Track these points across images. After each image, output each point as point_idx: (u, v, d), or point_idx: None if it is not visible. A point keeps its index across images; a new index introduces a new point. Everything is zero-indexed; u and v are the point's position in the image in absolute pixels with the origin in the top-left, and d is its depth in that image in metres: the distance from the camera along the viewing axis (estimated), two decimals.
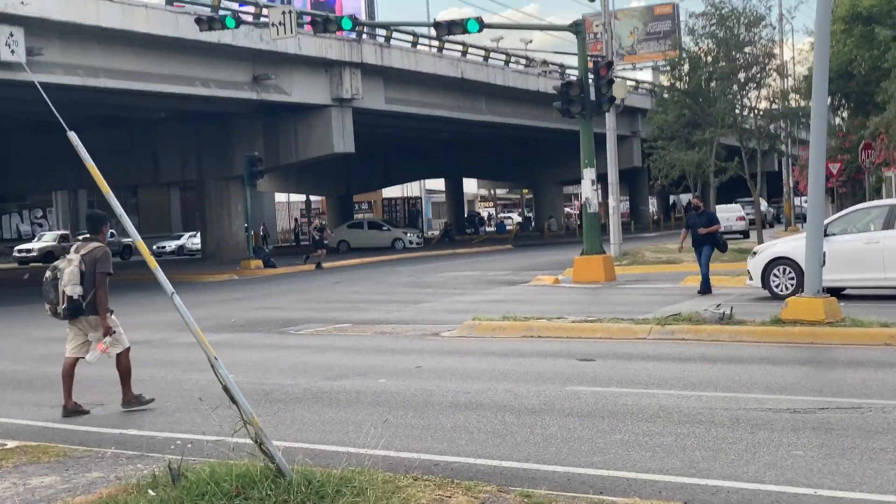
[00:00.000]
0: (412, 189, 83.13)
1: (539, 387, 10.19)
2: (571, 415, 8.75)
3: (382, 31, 38.67)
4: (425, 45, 40.90)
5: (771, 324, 13.08)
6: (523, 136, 57.77)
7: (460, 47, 42.31)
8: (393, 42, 39.10)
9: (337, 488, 5.86)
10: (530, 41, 61.21)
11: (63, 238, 49.30)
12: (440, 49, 41.71)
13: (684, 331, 13.41)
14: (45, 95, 6.52)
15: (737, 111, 32.13)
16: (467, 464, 7.21)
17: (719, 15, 30.52)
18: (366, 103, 38.44)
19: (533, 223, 73.03)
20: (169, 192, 62.97)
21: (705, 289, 19.28)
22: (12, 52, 24.37)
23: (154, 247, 48.99)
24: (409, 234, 51.44)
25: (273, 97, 35.37)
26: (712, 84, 31.58)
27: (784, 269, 17.47)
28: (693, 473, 6.72)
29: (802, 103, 34.64)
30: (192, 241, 52.48)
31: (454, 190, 73.54)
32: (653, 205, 79.74)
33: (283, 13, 24.63)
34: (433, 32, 29.01)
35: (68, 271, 9.64)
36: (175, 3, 30.66)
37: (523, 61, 47.66)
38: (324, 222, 40.77)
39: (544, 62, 47.59)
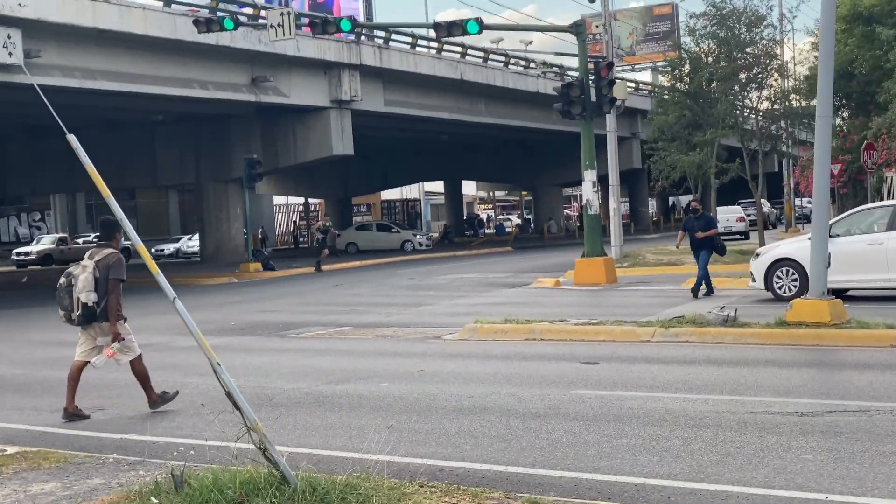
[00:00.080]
0: (411, 191, 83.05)
1: (543, 390, 10.10)
2: (577, 419, 8.66)
3: (381, 33, 38.60)
4: (424, 46, 40.83)
5: (776, 326, 13.00)
6: (522, 137, 57.71)
7: (459, 49, 42.23)
8: (392, 44, 39.02)
9: (342, 495, 5.77)
10: (530, 42, 61.13)
11: (61, 241, 49.27)
12: (439, 51, 41.64)
13: (688, 333, 13.33)
14: (44, 98, 6.43)
15: (737, 112, 32.04)
16: (472, 469, 7.12)
17: (720, 15, 30.43)
18: (365, 105, 38.36)
19: (532, 225, 72.96)
20: (167, 195, 62.92)
21: (700, 290, 19.02)
22: (10, 54, 24.27)
23: (152, 249, 48.86)
24: (418, 236, 52.07)
25: (271, 99, 35.29)
26: (713, 85, 31.48)
27: (787, 271, 17.40)
28: (702, 478, 6.63)
29: (803, 104, 34.60)
30: (188, 244, 52.42)
31: (453, 192, 73.47)
32: (652, 206, 79.69)
33: (282, 15, 24.56)
34: (432, 34, 28.93)
35: (82, 278, 9.62)
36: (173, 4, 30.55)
37: (522, 63, 47.59)
38: (328, 223, 40.57)
39: (544, 63, 47.58)
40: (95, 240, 50.64)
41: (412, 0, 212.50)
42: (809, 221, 50.68)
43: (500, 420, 8.74)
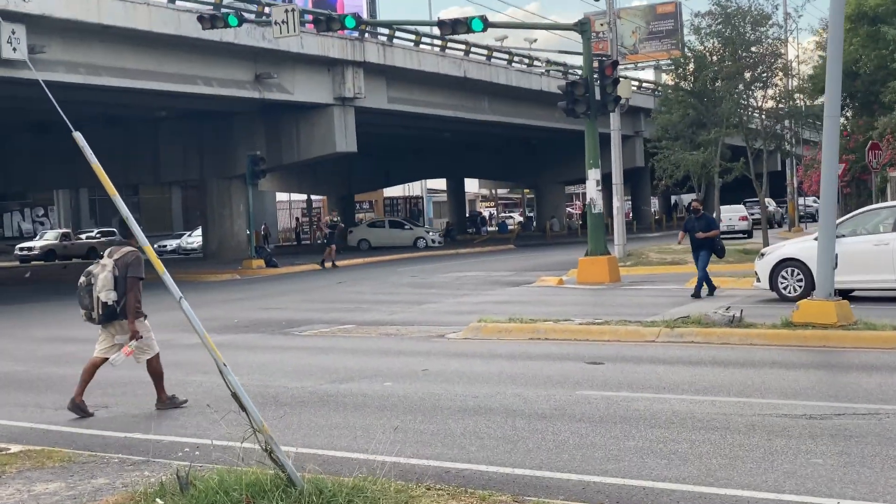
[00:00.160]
0: (413, 189, 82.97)
1: (548, 391, 10.04)
2: (583, 420, 8.60)
3: (385, 30, 38.52)
4: (428, 44, 40.74)
5: (782, 327, 12.94)
6: (525, 135, 57.63)
7: (463, 47, 42.16)
8: (395, 41, 38.95)
9: (349, 498, 5.71)
10: (535, 40, 60.98)
11: (64, 236, 49.23)
12: (443, 48, 41.55)
13: (693, 333, 13.26)
14: (49, 94, 6.38)
15: (742, 111, 31.95)
16: (479, 471, 7.06)
17: (725, 14, 30.33)
18: (368, 102, 38.30)
19: (534, 223, 72.85)
20: (170, 191, 62.91)
21: (702, 290, 19.00)
22: (14, 49, 24.21)
23: (155, 245, 48.88)
24: (430, 234, 52.16)
25: (275, 96, 35.23)
26: (717, 83, 31.39)
27: (792, 271, 17.34)
28: (711, 482, 6.57)
29: (808, 103, 34.51)
30: (188, 240, 52.43)
31: (456, 189, 73.39)
32: (654, 205, 79.58)
33: (286, 11, 24.51)
34: (436, 31, 28.86)
35: (102, 277, 9.63)
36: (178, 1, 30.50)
37: (526, 61, 47.52)
38: (335, 218, 40.31)
39: (548, 61, 47.51)
40: (98, 235, 50.71)
41: None
42: (813, 220, 50.78)
43: (506, 421, 8.69)
